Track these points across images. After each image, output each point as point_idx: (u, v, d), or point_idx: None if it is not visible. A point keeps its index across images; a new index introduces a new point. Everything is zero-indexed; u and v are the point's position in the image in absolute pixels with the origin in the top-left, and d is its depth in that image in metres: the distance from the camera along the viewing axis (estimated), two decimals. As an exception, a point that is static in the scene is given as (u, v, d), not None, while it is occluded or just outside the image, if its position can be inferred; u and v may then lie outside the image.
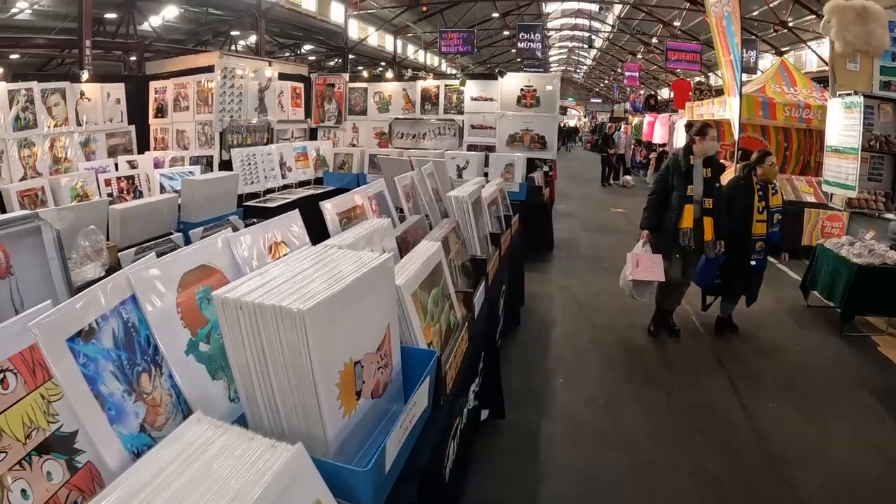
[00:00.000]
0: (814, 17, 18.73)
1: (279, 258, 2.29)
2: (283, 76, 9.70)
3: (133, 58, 18.68)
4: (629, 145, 22.52)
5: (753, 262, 5.83)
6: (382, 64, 29.05)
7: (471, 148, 9.50)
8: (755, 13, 20.72)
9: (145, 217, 4.60)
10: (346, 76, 10.57)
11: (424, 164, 4.93)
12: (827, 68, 16.75)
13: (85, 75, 7.91)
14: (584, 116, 61.40)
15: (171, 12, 21.21)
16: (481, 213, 4.19)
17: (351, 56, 27.12)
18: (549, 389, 4.80)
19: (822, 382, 5.11)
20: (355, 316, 1.68)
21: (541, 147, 9.25)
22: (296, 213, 2.85)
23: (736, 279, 5.96)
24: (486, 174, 8.47)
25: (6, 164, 6.66)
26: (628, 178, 18.64)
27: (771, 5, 20.07)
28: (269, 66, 9.30)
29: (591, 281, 7.80)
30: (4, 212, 5.77)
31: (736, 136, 10.79)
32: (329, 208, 3.01)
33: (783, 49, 22.18)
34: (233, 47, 24.98)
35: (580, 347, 5.68)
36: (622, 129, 22.87)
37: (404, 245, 3.13)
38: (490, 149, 9.33)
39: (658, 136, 21.14)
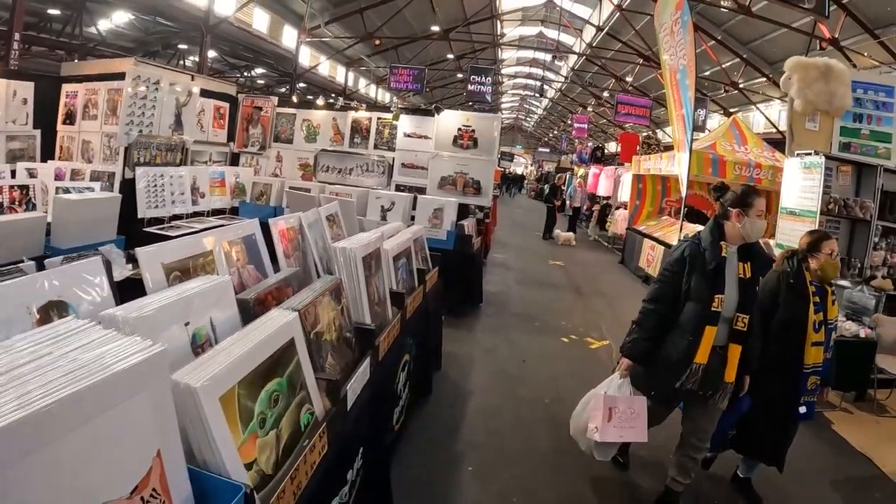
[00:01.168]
0: (764, 79, 19.27)
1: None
2: (207, 93, 8.89)
3: (76, 60, 17.59)
4: (584, 199, 21.91)
5: (803, 409, 3.83)
6: (333, 95, 28.48)
7: (399, 188, 8.81)
8: (707, 73, 21.15)
9: (2, 238, 3.95)
10: (275, 100, 9.82)
11: (328, 203, 4.30)
12: (774, 130, 16.78)
13: None
14: (532, 165, 61.96)
15: (121, 18, 20.24)
16: (380, 267, 3.49)
17: (301, 85, 26.56)
18: (454, 480, 3.99)
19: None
20: (78, 449, 1.16)
21: (475, 192, 8.57)
22: (96, 261, 2.17)
23: (769, 433, 3.86)
24: (412, 218, 7.80)
25: None
26: (569, 234, 17.48)
27: (723, 66, 20.44)
28: (192, 80, 8.54)
29: (520, 343, 7.12)
30: None
31: (683, 193, 10.42)
32: (148, 257, 2.30)
33: (732, 110, 22.56)
34: (181, 62, 24.14)
35: (498, 427, 4.87)
36: (576, 181, 22.36)
37: (257, 310, 2.44)
38: (420, 190, 8.62)
39: (603, 189, 20.90)
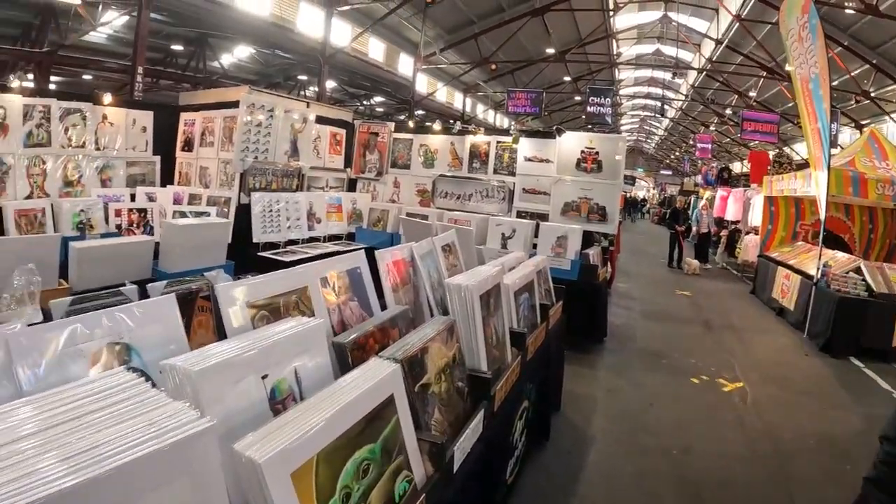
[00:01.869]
0: (898, 86, 17.24)
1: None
2: (323, 120, 8.91)
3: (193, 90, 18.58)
4: (710, 223, 19.52)
5: None
6: (451, 121, 28.53)
7: (520, 215, 8.38)
8: (835, 83, 19.24)
9: (111, 260, 4.06)
10: (391, 125, 9.70)
11: (444, 233, 3.94)
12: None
13: (107, 98, 7.37)
14: (654, 188, 60.08)
15: (242, 52, 21.31)
16: (500, 305, 3.07)
17: (420, 112, 26.73)
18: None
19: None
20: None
21: (600, 219, 7.98)
22: (166, 301, 1.93)
23: None
24: (534, 246, 7.40)
25: (12, 180, 6.41)
26: (695, 262, 16.02)
27: (852, 74, 18.68)
28: (307, 107, 8.52)
29: (645, 383, 6.47)
30: (2, 230, 5.83)
31: (822, 216, 9.36)
32: (234, 294, 2.00)
33: (863, 122, 20.72)
34: (302, 92, 24.86)
35: (619, 483, 4.29)
36: (701, 204, 20.85)
37: (356, 356, 2.09)
38: (543, 217, 8.15)
39: (731, 213, 19.52)
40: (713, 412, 5.79)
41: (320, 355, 1.94)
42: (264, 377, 1.69)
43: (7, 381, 1.52)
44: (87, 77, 20.48)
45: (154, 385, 1.46)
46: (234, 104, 7.34)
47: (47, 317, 2.41)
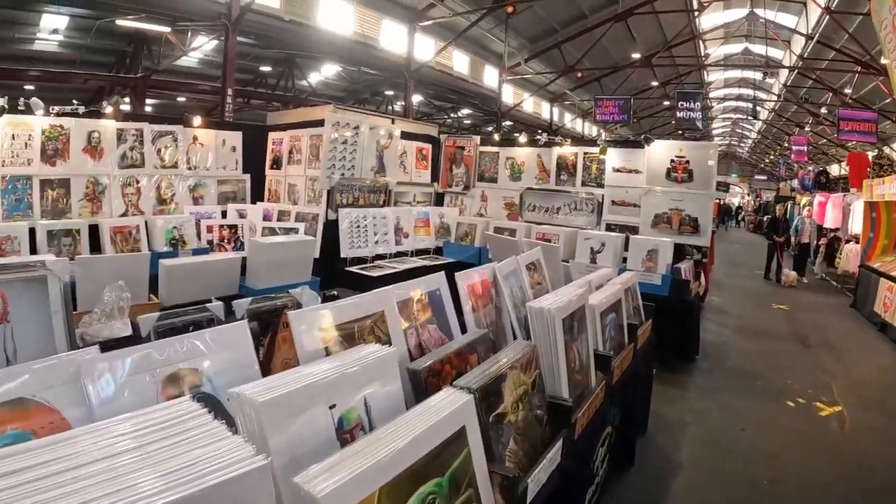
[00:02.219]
0: None
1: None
2: (408, 135, 8.98)
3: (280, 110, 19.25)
4: (813, 232, 18.36)
5: None
6: (539, 132, 28.35)
7: (610, 228, 8.13)
8: None
9: (199, 276, 4.16)
10: (477, 139, 9.65)
11: (530, 250, 3.86)
12: None
13: (197, 120, 7.70)
14: (749, 194, 57.95)
15: (329, 70, 21.77)
16: (584, 328, 2.95)
17: (507, 123, 26.66)
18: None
19: None
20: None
21: (692, 231, 7.60)
22: (238, 328, 1.94)
23: None
24: (624, 260, 7.21)
25: (108, 199, 6.81)
26: (793, 274, 15.09)
27: None
28: (392, 122, 8.59)
29: (737, 406, 6.12)
30: (99, 246, 6.26)
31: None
32: (308, 320, 2.00)
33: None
34: (389, 107, 25.22)
35: None
36: (805, 212, 19.48)
37: (430, 383, 2.05)
38: (632, 230, 7.86)
39: (830, 220, 18.25)
40: (807, 439, 5.42)
41: (392, 383, 1.89)
42: (332, 407, 1.66)
43: (80, 405, 1.58)
44: (181, 99, 21.55)
45: (218, 414, 1.48)
46: (320, 122, 7.46)
47: (136, 331, 2.49)
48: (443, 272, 2.84)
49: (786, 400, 6.38)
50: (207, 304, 2.78)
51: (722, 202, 40.19)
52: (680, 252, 7.49)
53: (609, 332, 3.50)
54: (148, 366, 1.72)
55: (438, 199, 9.70)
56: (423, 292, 2.63)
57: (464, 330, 2.79)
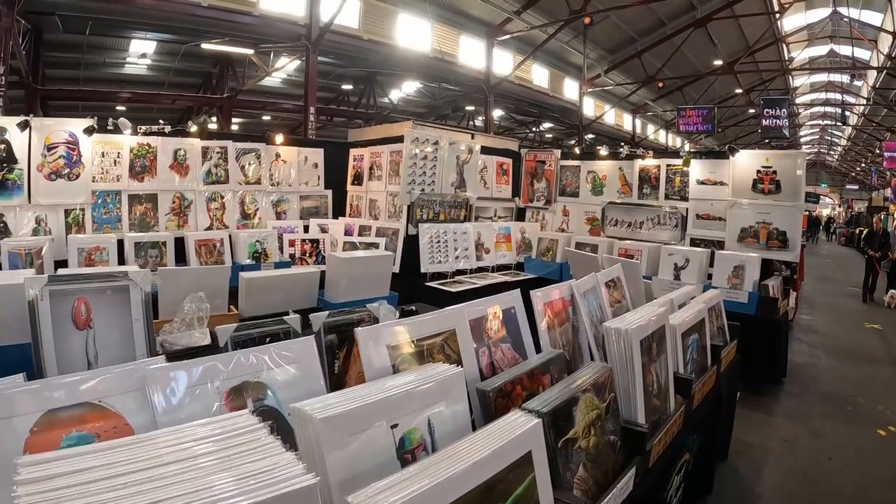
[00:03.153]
0: None
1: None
2: (489, 150, 8.99)
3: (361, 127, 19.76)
4: None
5: None
6: (622, 144, 27.94)
7: (694, 242, 7.84)
8: None
9: (278, 289, 4.27)
10: (558, 152, 9.53)
11: (610, 267, 3.77)
12: None
13: (279, 138, 7.99)
14: (840, 205, 55.52)
15: (410, 87, 22.06)
16: (664, 350, 2.85)
17: (590, 136, 26.39)
18: None
19: None
20: None
21: (780, 245, 7.19)
22: (305, 343, 2.00)
23: None
24: (709, 277, 6.96)
25: (193, 213, 7.13)
26: (893, 292, 13.92)
27: None
28: (472, 138, 8.59)
29: (825, 433, 5.77)
30: (184, 257, 6.65)
31: None
32: (376, 337, 2.02)
33: None
34: (470, 122, 25.32)
35: None
36: None
37: (499, 404, 2.02)
38: (718, 245, 7.56)
39: None
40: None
41: (458, 403, 1.86)
42: (394, 426, 1.64)
43: (144, 412, 1.63)
44: (266, 118, 22.35)
45: (279, 428, 1.52)
46: (400, 139, 7.56)
47: (214, 340, 2.55)
48: (518, 290, 2.80)
49: (877, 428, 5.98)
50: (284, 317, 2.83)
51: (812, 214, 38.53)
52: (768, 268, 7.17)
53: (691, 354, 3.36)
54: (213, 377, 1.76)
55: (520, 214, 9.66)
56: (497, 310, 2.59)
57: (538, 350, 2.73)
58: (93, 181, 6.47)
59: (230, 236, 7.02)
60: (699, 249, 7.33)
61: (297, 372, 1.92)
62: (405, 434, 1.66)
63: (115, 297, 2.70)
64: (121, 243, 6.28)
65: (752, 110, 26.29)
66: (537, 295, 2.80)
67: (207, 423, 1.35)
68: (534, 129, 29.57)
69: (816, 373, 7.85)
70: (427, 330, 2.19)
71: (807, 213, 8.56)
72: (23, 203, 6.08)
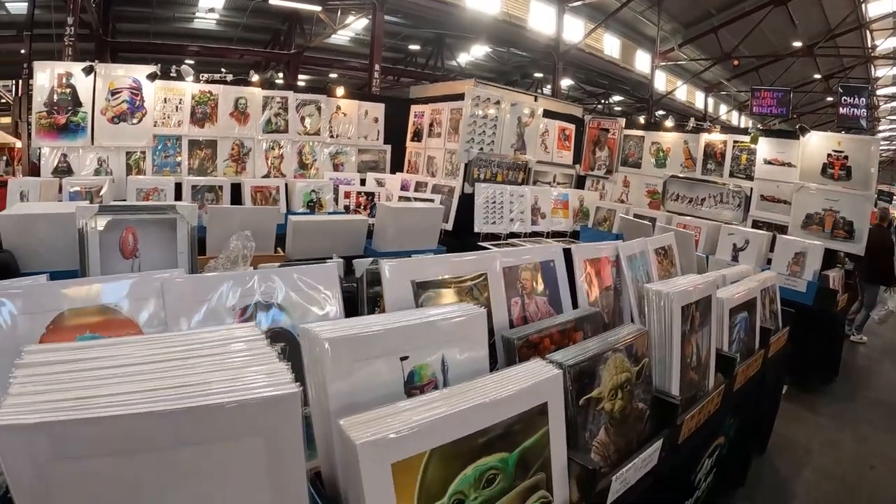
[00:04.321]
0: None
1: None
2: (551, 114, 8.84)
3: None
4: None
5: None
6: (692, 121, 27.13)
7: (756, 224, 7.56)
8: None
9: (325, 234, 4.31)
10: (622, 121, 9.31)
11: (664, 233, 3.63)
12: None
13: (340, 91, 8.10)
14: (915, 207, 53.08)
15: (478, 50, 21.84)
16: (708, 321, 2.69)
17: (660, 112, 25.77)
18: None
19: None
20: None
21: (846, 236, 6.88)
22: (327, 268, 1.95)
23: None
24: (768, 261, 6.68)
25: (251, 161, 7.37)
26: None
27: None
28: (535, 100, 8.47)
29: (872, 439, 5.39)
30: (240, 203, 6.78)
31: None
32: (401, 271, 1.95)
33: None
34: (539, 89, 24.95)
35: None
36: None
37: (524, 354, 1.97)
38: (780, 229, 7.25)
39: None
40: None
41: (477, 348, 1.76)
42: (404, 359, 1.57)
43: (157, 321, 1.63)
44: (332, 75, 22.43)
45: (291, 350, 1.66)
46: (461, 97, 7.51)
47: None
48: (560, 246, 2.68)
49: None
50: (327, 260, 2.79)
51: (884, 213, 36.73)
52: (830, 258, 6.84)
53: (738, 333, 3.18)
54: (230, 293, 1.73)
55: (579, 182, 9.50)
56: (535, 262, 2.48)
57: (576, 308, 2.62)
58: (154, 126, 6.74)
59: (286, 185, 7.12)
60: (761, 232, 7.04)
61: (317, 298, 1.87)
62: (415, 368, 1.59)
63: (162, 229, 2.77)
64: (179, 187, 6.45)
65: (829, 98, 25.14)
66: (579, 250, 2.68)
67: (213, 331, 1.32)
68: (603, 101, 29.02)
69: (871, 375, 7.46)
70: (457, 270, 2.10)
71: (874, 210, 8.12)
72: (86, 144, 6.41)
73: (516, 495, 1.47)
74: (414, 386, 1.58)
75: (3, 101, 21.56)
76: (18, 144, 15.19)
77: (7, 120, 19.97)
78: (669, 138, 8.78)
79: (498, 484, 1.41)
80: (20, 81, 15.00)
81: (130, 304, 1.61)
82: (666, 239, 3.60)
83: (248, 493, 1.04)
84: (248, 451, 1.02)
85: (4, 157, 16.20)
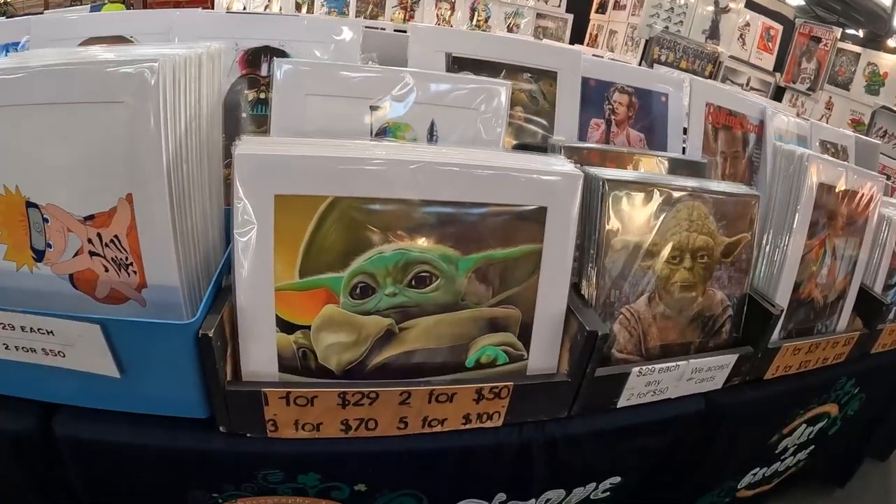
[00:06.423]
0: None
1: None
2: (756, 7, 7.80)
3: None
4: None
5: None
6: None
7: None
8: None
9: None
10: (838, 32, 7.84)
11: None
12: None
13: None
14: None
15: None
16: (857, 235, 1.65)
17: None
18: None
19: None
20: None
21: None
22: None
23: None
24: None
25: (420, 10, 7.31)
26: None
27: None
28: (738, -13, 7.55)
29: None
30: None
31: None
32: (421, 35, 1.50)
33: None
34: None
35: None
36: None
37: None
38: None
39: None
40: None
41: (492, 129, 1.28)
42: (374, 108, 1.23)
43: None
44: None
45: None
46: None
47: None
48: (684, 80, 2.04)
49: None
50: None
51: None
52: None
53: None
54: (236, 32, 1.51)
55: (777, 93, 8.23)
56: (631, 83, 1.81)
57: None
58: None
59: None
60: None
61: (325, 49, 1.52)
62: (388, 126, 1.23)
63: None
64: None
65: None
66: (702, 92, 2.03)
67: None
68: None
69: None
70: (514, 55, 1.52)
71: None
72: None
73: (459, 322, 1.03)
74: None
75: None
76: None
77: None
78: (889, 60, 7.33)
79: (431, 290, 1.00)
80: None
81: (144, 35, 1.54)
82: (844, 138, 2.79)
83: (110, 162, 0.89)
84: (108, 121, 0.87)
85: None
